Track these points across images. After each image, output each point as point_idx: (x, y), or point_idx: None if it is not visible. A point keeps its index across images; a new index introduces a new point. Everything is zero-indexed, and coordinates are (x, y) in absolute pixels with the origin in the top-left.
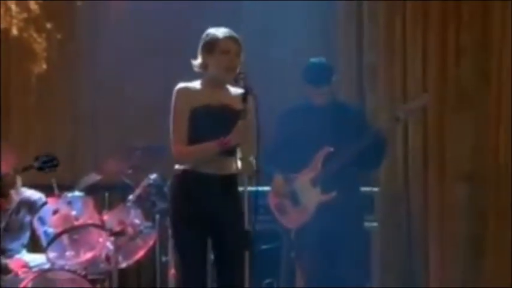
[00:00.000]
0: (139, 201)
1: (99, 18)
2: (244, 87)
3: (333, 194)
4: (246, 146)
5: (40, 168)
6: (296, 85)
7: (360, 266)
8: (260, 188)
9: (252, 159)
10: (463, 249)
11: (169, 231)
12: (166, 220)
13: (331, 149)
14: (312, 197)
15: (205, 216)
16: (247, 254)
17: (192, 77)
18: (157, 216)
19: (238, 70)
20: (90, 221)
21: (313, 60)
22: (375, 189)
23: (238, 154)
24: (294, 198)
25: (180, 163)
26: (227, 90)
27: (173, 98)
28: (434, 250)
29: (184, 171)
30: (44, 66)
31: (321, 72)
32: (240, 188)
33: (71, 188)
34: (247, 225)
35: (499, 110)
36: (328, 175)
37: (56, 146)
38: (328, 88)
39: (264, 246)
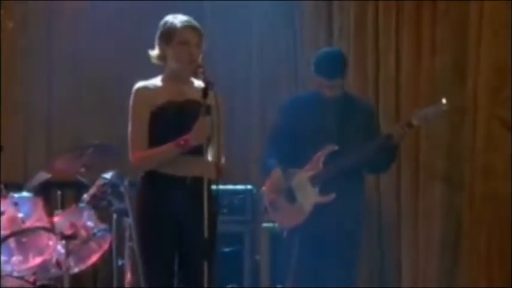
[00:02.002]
0: (93, 202)
1: (54, 7)
2: (204, 81)
3: (332, 196)
4: (214, 146)
5: None
6: (261, 83)
7: (350, 272)
8: (222, 187)
9: (221, 161)
10: (437, 253)
11: (126, 234)
12: (124, 221)
13: (335, 147)
14: (308, 197)
15: (172, 222)
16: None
17: (153, 75)
18: (114, 216)
19: (198, 62)
20: (38, 224)
21: (326, 49)
22: None
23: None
24: (289, 195)
25: (138, 170)
26: (191, 83)
27: (131, 99)
28: (407, 254)
29: (149, 174)
30: None
31: (335, 63)
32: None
33: (22, 188)
34: (206, 232)
35: (476, 107)
36: (330, 175)
37: (6, 142)
38: (341, 81)
39: (226, 249)
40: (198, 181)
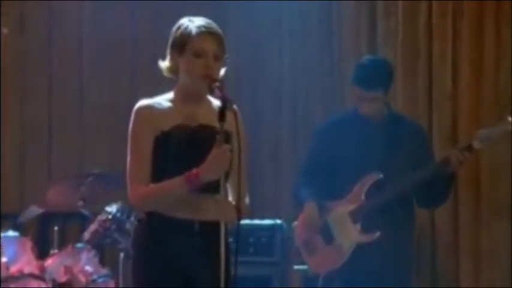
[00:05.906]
0: (95, 240)
1: (53, 9)
2: (221, 99)
3: (375, 234)
4: (233, 182)
5: None
6: (292, 92)
7: None
8: (246, 222)
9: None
10: None
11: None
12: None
13: (380, 176)
14: (349, 235)
15: (178, 275)
16: None
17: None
18: (120, 256)
19: (215, 76)
20: (26, 269)
21: (368, 57)
22: None
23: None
24: (326, 234)
25: (139, 209)
26: (207, 104)
27: (131, 121)
28: None
29: (150, 215)
30: None
31: (376, 72)
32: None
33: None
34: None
35: None
36: (373, 209)
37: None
38: (383, 95)
39: None
40: (210, 226)
